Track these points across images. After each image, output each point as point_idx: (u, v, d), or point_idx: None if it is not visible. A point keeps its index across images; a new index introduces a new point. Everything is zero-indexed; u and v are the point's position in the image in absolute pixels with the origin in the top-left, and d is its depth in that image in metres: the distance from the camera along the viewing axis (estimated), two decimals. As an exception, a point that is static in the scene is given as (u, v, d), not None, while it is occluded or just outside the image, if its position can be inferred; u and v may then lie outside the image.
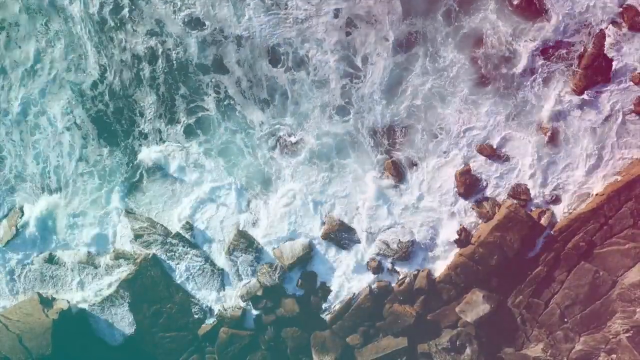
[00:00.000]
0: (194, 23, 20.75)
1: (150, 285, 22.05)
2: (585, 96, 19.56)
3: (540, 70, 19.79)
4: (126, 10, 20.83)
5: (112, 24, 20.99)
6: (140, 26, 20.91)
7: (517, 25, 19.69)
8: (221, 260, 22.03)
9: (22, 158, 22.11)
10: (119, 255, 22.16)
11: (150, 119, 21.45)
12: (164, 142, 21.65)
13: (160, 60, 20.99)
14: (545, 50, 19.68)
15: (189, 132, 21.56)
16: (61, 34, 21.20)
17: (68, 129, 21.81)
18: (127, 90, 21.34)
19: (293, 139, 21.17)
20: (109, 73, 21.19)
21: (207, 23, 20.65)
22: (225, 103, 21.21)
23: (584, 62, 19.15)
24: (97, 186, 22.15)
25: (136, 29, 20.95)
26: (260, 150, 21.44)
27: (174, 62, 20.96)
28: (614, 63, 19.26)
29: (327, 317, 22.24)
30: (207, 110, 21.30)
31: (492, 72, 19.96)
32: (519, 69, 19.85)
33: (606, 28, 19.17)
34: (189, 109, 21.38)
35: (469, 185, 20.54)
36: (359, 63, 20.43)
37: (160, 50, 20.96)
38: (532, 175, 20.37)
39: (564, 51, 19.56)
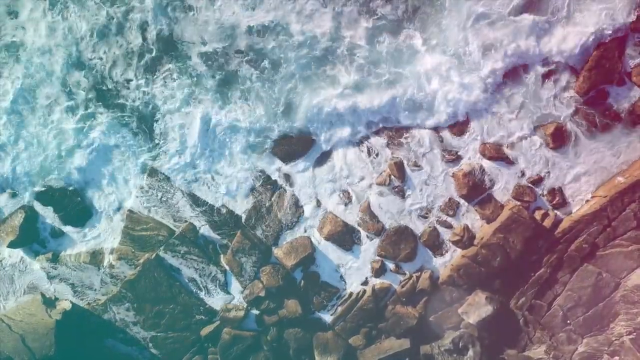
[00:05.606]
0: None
1: (153, 286, 22.07)
2: (588, 98, 19.51)
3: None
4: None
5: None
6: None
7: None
8: (224, 261, 22.03)
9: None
10: (121, 256, 22.18)
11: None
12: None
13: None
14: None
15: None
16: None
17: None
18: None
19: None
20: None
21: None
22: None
23: (588, 64, 19.09)
24: (102, 188, 22.25)
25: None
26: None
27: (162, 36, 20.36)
28: (617, 65, 19.20)
29: (329, 318, 22.27)
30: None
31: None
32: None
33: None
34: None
35: (472, 187, 20.50)
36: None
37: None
38: (535, 177, 20.33)
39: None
